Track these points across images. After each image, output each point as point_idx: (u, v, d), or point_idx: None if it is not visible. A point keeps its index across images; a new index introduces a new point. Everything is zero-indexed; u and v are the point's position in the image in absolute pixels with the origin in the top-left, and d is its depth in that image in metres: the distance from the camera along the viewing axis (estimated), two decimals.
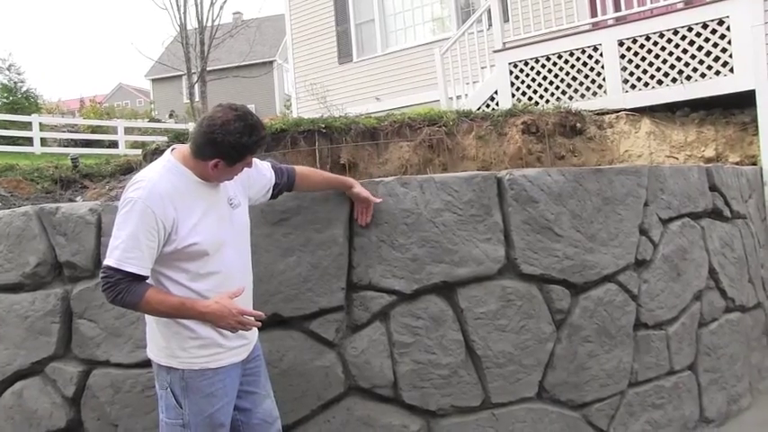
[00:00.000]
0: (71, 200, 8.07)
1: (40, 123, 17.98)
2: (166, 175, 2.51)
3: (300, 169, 3.09)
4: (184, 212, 2.48)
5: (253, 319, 2.56)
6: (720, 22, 6.43)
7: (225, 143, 2.43)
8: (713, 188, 4.57)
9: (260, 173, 2.89)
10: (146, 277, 2.45)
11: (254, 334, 2.78)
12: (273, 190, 2.96)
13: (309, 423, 3.36)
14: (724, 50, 6.42)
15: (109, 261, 2.41)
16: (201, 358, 2.57)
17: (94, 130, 19.73)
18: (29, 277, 3.60)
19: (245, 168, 2.74)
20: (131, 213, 2.41)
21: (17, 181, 8.66)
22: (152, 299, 2.43)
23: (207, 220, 2.53)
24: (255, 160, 2.84)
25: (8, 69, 22.07)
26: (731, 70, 6.37)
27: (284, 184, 3.00)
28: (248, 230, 2.80)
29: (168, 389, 2.59)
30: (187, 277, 2.53)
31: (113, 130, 19.49)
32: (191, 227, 2.48)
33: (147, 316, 2.65)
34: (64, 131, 19.05)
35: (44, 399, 3.53)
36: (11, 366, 3.59)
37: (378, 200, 3.35)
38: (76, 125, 20.20)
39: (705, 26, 6.55)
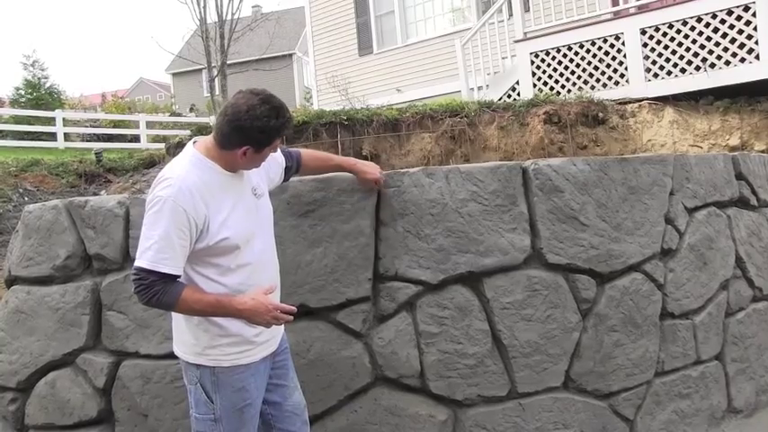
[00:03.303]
0: (95, 194, 8.17)
1: (64, 118, 18.19)
2: (193, 170, 2.44)
3: (305, 150, 3.08)
4: (214, 207, 2.44)
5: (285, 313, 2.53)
6: (746, 8, 6.37)
7: (253, 128, 2.39)
8: (739, 176, 4.52)
9: (273, 158, 2.82)
10: (179, 276, 2.41)
11: (279, 326, 2.76)
12: (286, 174, 2.94)
13: (336, 413, 3.38)
14: (749, 37, 6.35)
15: (141, 263, 2.35)
16: (233, 355, 2.54)
17: (117, 124, 19.88)
18: (59, 270, 3.66)
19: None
20: (162, 213, 2.35)
21: (42, 176, 8.82)
22: (188, 298, 2.39)
23: (236, 213, 2.49)
24: None
25: (32, 66, 22.28)
26: (757, 57, 6.30)
27: (293, 166, 2.97)
28: (272, 219, 2.77)
29: (198, 384, 2.55)
30: (217, 272, 2.49)
31: (135, 125, 19.64)
32: (221, 222, 2.44)
33: (173, 312, 2.62)
34: (87, 126, 19.22)
35: (76, 389, 3.59)
36: (43, 357, 3.65)
37: (381, 177, 3.27)
38: (99, 120, 20.38)
39: (730, 13, 6.49)
